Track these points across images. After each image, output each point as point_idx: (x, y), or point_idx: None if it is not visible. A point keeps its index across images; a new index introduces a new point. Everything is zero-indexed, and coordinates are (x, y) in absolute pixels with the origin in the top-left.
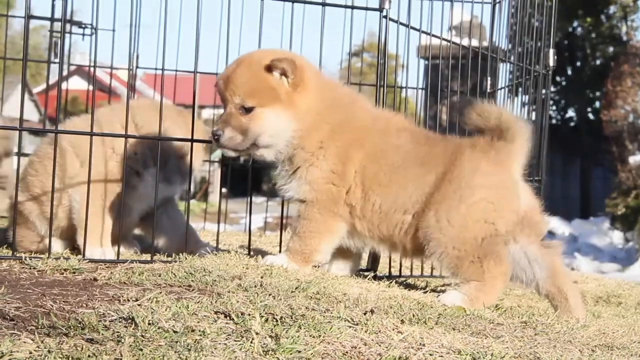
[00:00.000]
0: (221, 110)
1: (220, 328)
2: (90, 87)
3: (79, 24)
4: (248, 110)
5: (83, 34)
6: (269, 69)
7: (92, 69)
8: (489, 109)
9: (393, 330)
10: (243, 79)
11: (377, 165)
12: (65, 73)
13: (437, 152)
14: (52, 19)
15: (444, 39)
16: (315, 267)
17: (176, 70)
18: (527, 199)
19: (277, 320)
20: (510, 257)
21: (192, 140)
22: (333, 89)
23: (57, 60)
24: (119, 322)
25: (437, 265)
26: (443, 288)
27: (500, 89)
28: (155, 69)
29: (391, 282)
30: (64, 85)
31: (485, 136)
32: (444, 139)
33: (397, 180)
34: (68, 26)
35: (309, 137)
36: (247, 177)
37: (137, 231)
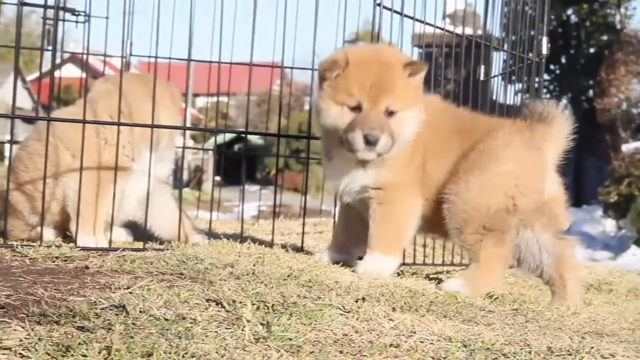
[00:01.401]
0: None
1: (212, 316)
2: (84, 75)
3: (72, 11)
4: (392, 113)
5: (76, 21)
6: (409, 71)
7: (85, 56)
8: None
9: (384, 317)
10: (391, 82)
11: (433, 141)
12: (58, 61)
13: (477, 127)
14: (45, 6)
15: (438, 27)
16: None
17: (170, 58)
18: (554, 187)
19: (268, 308)
20: (523, 242)
21: (184, 128)
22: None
23: (50, 47)
24: (110, 309)
25: (448, 231)
26: (435, 276)
27: (494, 76)
28: (149, 56)
29: None
30: (57, 73)
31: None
32: (486, 117)
33: (443, 153)
34: (61, 13)
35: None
36: (241, 165)
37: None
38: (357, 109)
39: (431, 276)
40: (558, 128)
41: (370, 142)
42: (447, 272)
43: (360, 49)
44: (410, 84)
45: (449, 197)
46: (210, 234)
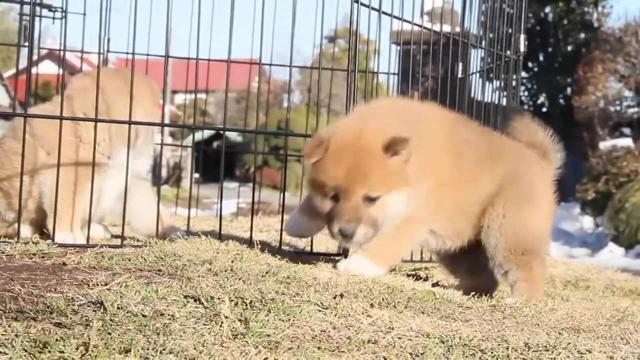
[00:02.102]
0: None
1: (190, 312)
2: (61, 71)
3: (49, 8)
4: (372, 200)
5: (53, 17)
6: (389, 152)
7: (62, 52)
8: (536, 127)
9: (362, 314)
10: (367, 169)
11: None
12: (35, 57)
13: (502, 151)
14: (21, 2)
15: (416, 25)
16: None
17: (148, 55)
18: None
19: (246, 305)
20: None
21: (163, 125)
22: (412, 120)
23: (27, 44)
24: (88, 306)
25: (492, 253)
26: (413, 272)
27: (472, 74)
28: (127, 53)
29: None
30: (34, 70)
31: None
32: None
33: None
34: (38, 9)
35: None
36: (220, 162)
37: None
38: (335, 198)
39: (409, 273)
40: (555, 167)
41: (345, 236)
42: (426, 268)
43: (343, 131)
44: (393, 164)
45: (493, 224)
46: (189, 231)
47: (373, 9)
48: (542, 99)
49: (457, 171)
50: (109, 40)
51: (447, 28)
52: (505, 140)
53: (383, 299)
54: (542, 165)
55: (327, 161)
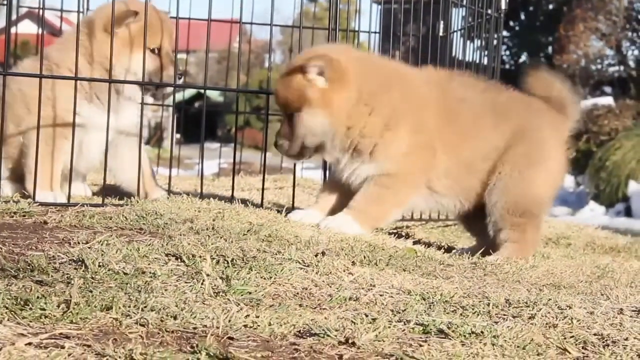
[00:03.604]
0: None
1: (171, 270)
2: (40, 31)
3: None
4: (290, 117)
5: None
6: (302, 70)
7: (41, 11)
8: (552, 81)
9: (344, 271)
10: (281, 88)
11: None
12: (15, 17)
13: (511, 105)
14: None
15: None
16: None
17: None
18: None
19: (228, 263)
20: None
21: (142, 84)
22: (378, 73)
23: (5, 2)
24: (69, 264)
25: (491, 211)
26: (395, 231)
27: (453, 32)
28: None
29: None
30: (13, 29)
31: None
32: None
33: (473, 133)
34: None
35: (363, 126)
36: (201, 122)
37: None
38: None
39: (390, 231)
40: (573, 121)
41: (276, 147)
42: (407, 227)
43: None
44: (302, 83)
45: (499, 182)
46: (170, 191)
47: None
48: (523, 57)
49: (451, 131)
50: None
51: None
52: (515, 96)
53: (364, 257)
54: (556, 122)
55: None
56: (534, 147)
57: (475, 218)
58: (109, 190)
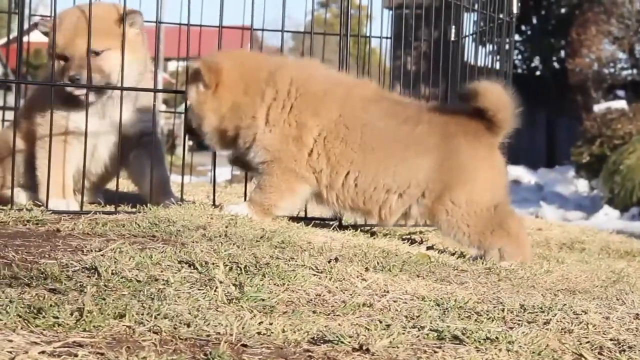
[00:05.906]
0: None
1: (184, 277)
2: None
3: None
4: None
5: None
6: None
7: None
8: (486, 89)
9: (357, 277)
10: None
11: (343, 142)
12: (27, 25)
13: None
14: None
15: None
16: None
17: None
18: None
19: (241, 269)
20: None
21: (155, 91)
22: (254, 68)
23: (17, 11)
24: (82, 272)
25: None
26: (408, 236)
27: (465, 37)
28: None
29: (356, 231)
30: (25, 38)
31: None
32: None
33: (374, 160)
34: None
35: (240, 119)
36: None
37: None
38: None
39: (404, 237)
40: (508, 126)
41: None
42: (420, 232)
43: None
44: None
45: (443, 215)
46: (183, 198)
47: None
48: (535, 62)
49: (354, 148)
50: None
51: None
52: (433, 127)
53: (378, 263)
54: (475, 139)
55: None
56: (457, 172)
57: None
58: (122, 198)
